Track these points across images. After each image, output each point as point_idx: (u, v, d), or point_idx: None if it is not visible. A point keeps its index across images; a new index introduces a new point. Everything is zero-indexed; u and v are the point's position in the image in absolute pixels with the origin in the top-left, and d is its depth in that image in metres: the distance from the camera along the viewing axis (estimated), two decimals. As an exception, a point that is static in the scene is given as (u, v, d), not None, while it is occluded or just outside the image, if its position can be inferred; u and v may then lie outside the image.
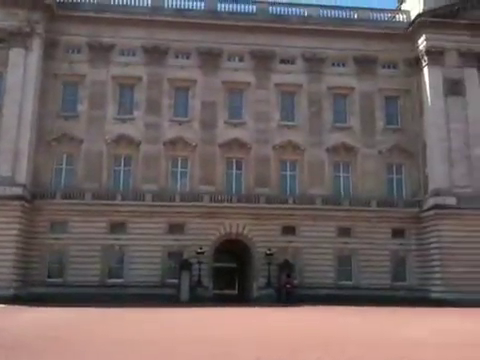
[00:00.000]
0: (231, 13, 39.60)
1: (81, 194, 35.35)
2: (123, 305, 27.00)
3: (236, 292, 45.06)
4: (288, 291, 33.37)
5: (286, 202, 36.64)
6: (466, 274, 32.85)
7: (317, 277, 35.01)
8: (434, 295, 33.71)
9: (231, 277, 46.63)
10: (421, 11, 38.13)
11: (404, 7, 41.37)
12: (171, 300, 31.37)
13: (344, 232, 36.40)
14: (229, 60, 39.05)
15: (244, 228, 35.79)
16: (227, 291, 46.64)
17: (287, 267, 34.61)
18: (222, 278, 45.19)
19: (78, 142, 36.50)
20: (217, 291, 40.71)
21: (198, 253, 34.01)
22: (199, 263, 34.00)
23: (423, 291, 34.83)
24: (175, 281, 33.91)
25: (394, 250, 36.23)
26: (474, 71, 37.50)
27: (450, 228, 34.07)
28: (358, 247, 36.00)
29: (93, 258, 34.13)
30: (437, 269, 33.96)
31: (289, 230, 36.14)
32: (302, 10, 40.50)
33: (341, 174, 38.38)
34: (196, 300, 32.03)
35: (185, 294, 33.44)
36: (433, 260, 34.45)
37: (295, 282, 34.33)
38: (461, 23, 37.74)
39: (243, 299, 37.50)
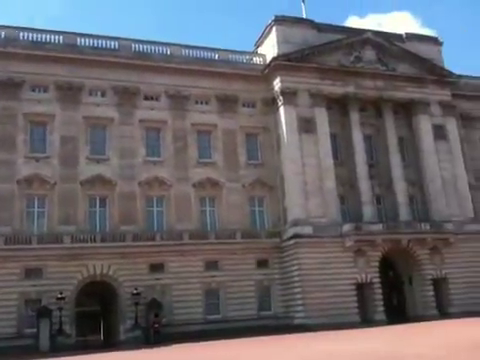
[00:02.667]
0: (93, 48, 38.89)
1: None
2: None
3: (102, 337, 42.66)
4: (156, 331, 32.52)
5: (153, 239, 36.11)
6: (325, 299, 35.07)
7: (186, 313, 34.73)
8: (297, 321, 35.37)
9: (97, 321, 44.12)
10: (275, 55, 41.14)
11: (260, 50, 44.26)
12: (29, 351, 28.72)
13: (212, 266, 36.82)
14: (91, 95, 38.13)
15: (109, 268, 34.39)
16: (92, 337, 43.96)
17: (155, 306, 33.80)
18: (86, 323, 42.53)
19: None
20: (81, 338, 38.24)
21: (58, 299, 31.76)
22: (60, 309, 31.73)
23: (287, 318, 36.38)
24: (34, 330, 31.20)
25: (259, 280, 37.49)
26: (323, 110, 41.14)
27: (308, 256, 36.31)
28: (225, 279, 36.61)
29: None
30: (298, 296, 35.75)
31: (157, 267, 35.55)
32: (165, 48, 41.25)
33: (207, 208, 39.07)
34: (57, 349, 29.73)
35: (45, 343, 30.85)
36: (295, 287, 36.25)
37: (164, 321, 33.63)
38: (311, 67, 41.45)
39: (109, 344, 35.67)
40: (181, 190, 38.25)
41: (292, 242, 36.99)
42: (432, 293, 38.94)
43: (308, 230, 37.18)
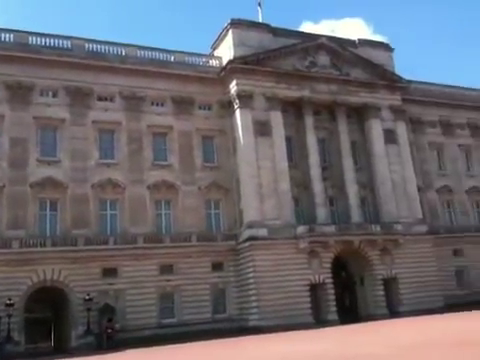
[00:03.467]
0: (45, 47, 37.82)
1: None
2: None
3: (53, 344, 41.52)
4: (109, 336, 32.01)
5: (107, 243, 35.50)
6: (279, 300, 35.47)
7: (140, 318, 34.32)
8: (251, 323, 35.62)
9: (48, 328, 42.90)
10: (232, 58, 41.29)
11: (217, 53, 44.30)
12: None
13: (166, 269, 36.56)
14: (42, 95, 37.10)
15: (60, 273, 33.53)
16: (43, 344, 42.71)
17: (108, 311, 33.23)
18: (37, 330, 41.32)
19: None
20: (31, 345, 37.11)
21: (7, 305, 30.70)
22: (8, 316, 30.68)
23: (242, 320, 36.60)
24: (-19, 339, 30.08)
25: (214, 283, 37.54)
26: (278, 114, 41.61)
27: (263, 257, 36.65)
28: (181, 283, 36.43)
29: None
30: (253, 298, 36.01)
31: (110, 272, 34.94)
32: (120, 49, 40.62)
33: (162, 211, 38.76)
34: (6, 357, 28.82)
35: (-8, 352, 29.78)
36: (249, 289, 36.51)
37: (117, 326, 33.11)
38: (267, 70, 41.83)
39: (60, 351, 34.78)
40: (136, 193, 37.77)
41: (247, 244, 37.23)
42: (383, 293, 40.09)
43: (263, 232, 37.52)
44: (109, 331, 32.03)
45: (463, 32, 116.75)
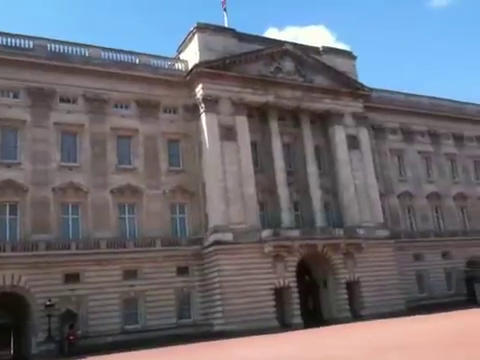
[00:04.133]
0: (5, 47, 36.78)
1: None
2: None
3: (12, 351, 40.16)
4: (71, 343, 31.24)
5: (69, 248, 34.69)
6: (244, 305, 35.48)
7: (103, 324, 33.63)
8: (216, 328, 35.46)
9: (8, 335, 41.47)
10: (197, 62, 41.24)
11: (182, 56, 44.16)
12: None
13: (130, 274, 36.00)
14: (2, 96, 36.09)
15: (20, 279, 32.52)
16: (2, 351, 41.27)
17: (70, 317, 32.50)
18: (-5, 338, 39.97)
19: None
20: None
21: (-38, 313, 29.60)
22: (-36, 324, 29.59)
23: (207, 325, 36.39)
24: None
25: (179, 288, 37.20)
26: (244, 119, 41.80)
27: (229, 262, 36.61)
28: (145, 288, 35.94)
29: None
30: (218, 302, 35.87)
31: (72, 277, 34.10)
32: (84, 50, 39.94)
33: (126, 216, 38.20)
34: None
35: None
36: (214, 294, 36.36)
37: (79, 333, 32.37)
38: (233, 75, 41.99)
39: (20, 358, 33.69)
40: (99, 197, 37.09)
41: (212, 249, 37.11)
42: (346, 296, 40.68)
43: (228, 237, 37.49)
44: (71, 338, 31.29)
45: (423, 44, 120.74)
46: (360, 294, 41.42)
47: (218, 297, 35.98)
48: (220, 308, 35.68)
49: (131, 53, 41.82)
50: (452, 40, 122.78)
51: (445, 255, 50.20)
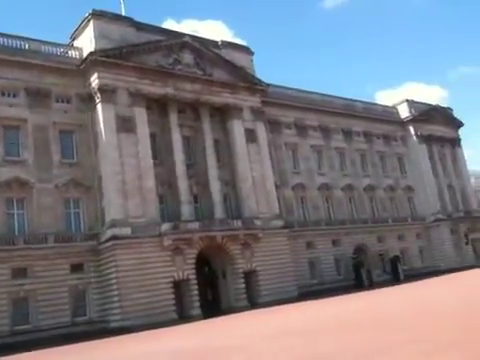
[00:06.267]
0: None
1: None
2: None
3: None
4: None
5: None
6: (143, 299, 35.09)
7: (-11, 327, 31.43)
8: (114, 324, 34.72)
9: None
10: (93, 50, 39.61)
11: (77, 44, 42.15)
12: None
13: (20, 273, 33.91)
14: None
15: None
16: None
17: None
18: None
19: None
20: None
21: None
22: None
23: (104, 322, 35.48)
24: None
25: (73, 285, 35.72)
26: (143, 110, 41.04)
27: (127, 257, 35.91)
28: (36, 287, 34.06)
29: None
30: (116, 298, 35.09)
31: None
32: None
33: (15, 211, 35.88)
34: None
35: None
36: (112, 290, 35.51)
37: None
38: (130, 65, 40.97)
39: None
40: (-17, 191, 34.40)
41: (110, 244, 36.14)
42: (243, 286, 41.84)
43: (126, 231, 36.73)
44: None
45: (315, 41, 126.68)
46: (257, 283, 42.83)
47: (115, 293, 35.18)
48: (117, 304, 34.95)
49: (20, 38, 39.09)
50: (343, 38, 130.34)
51: (335, 243, 53.51)
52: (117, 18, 42.12)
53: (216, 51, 47.59)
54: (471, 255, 65.18)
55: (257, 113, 49.19)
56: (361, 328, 15.34)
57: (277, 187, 49.52)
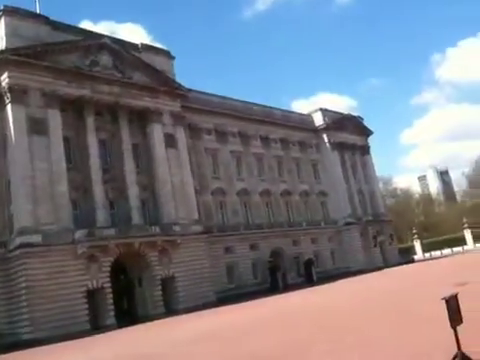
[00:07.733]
0: None
1: None
2: None
3: None
4: None
5: None
6: (54, 310, 33.67)
7: None
8: (24, 336, 33.07)
9: None
10: (4, 48, 37.59)
11: (-16, 40, 39.69)
12: None
13: None
14: None
15: None
16: None
17: None
18: None
19: None
20: None
21: None
22: None
23: (13, 335, 33.66)
24: None
25: (-23, 297, 33.72)
26: (57, 112, 39.45)
27: (37, 266, 34.33)
28: None
29: None
30: (25, 310, 33.45)
31: None
32: None
33: None
34: None
35: None
36: (21, 301, 33.79)
37: None
38: (44, 65, 39.25)
39: None
40: None
41: (18, 252, 34.38)
42: (160, 293, 41.41)
43: (36, 238, 35.12)
44: None
45: (233, 50, 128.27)
46: (175, 289, 42.63)
47: (25, 304, 33.51)
48: (27, 315, 33.31)
49: None
50: (260, 48, 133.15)
51: (253, 247, 54.62)
52: (31, 16, 40.21)
53: (136, 54, 46.89)
54: (379, 257, 69.31)
55: (177, 118, 49.06)
56: (275, 329, 15.94)
57: (197, 192, 49.67)
